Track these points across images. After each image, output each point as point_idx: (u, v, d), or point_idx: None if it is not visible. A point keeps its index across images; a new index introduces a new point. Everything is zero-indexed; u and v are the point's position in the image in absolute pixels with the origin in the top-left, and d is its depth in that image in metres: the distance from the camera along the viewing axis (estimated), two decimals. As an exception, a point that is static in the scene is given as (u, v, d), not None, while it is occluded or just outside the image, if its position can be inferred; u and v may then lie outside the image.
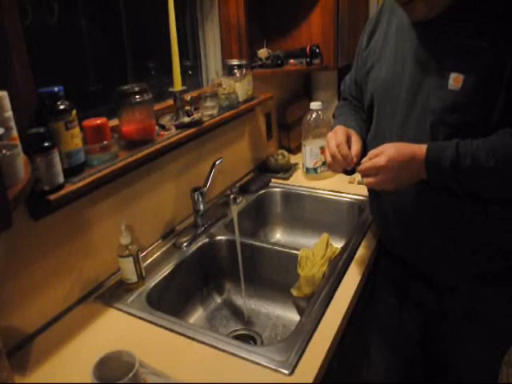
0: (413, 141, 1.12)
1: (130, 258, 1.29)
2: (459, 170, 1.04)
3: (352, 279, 1.34)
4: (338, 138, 1.24)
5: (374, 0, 2.49)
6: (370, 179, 1.13)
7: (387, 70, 1.26)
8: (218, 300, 1.62)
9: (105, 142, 1.24)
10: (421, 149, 1.08)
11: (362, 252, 1.47)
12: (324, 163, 1.97)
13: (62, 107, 1.12)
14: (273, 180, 2.06)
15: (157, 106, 1.58)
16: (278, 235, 2.01)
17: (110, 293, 1.32)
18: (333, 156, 1.23)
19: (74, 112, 1.15)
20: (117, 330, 1.18)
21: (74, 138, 1.16)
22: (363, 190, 1.75)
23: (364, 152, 1.24)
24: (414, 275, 1.36)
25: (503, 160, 1.01)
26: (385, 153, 1.09)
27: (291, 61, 2.09)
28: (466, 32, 1.06)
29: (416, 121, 1.16)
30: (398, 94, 1.21)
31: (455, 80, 1.06)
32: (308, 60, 2.06)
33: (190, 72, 1.93)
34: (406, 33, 1.20)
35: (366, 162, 1.13)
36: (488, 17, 1.04)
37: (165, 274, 1.41)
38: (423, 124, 1.14)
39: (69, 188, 1.12)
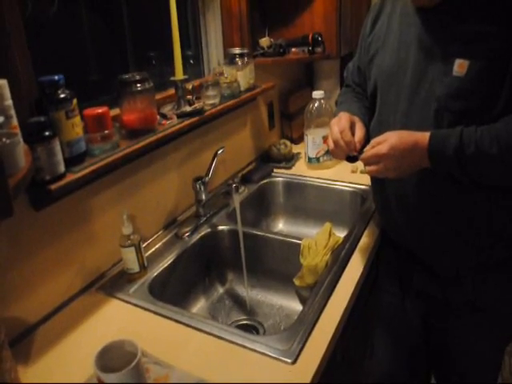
0: (417, 128, 1.12)
1: (132, 248, 1.28)
2: (463, 157, 1.03)
3: (355, 269, 1.34)
4: (342, 124, 1.23)
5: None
6: (373, 167, 1.12)
7: (391, 57, 1.24)
8: (221, 290, 1.61)
9: (106, 132, 1.23)
10: (424, 137, 1.07)
11: (364, 241, 1.46)
12: (327, 152, 1.96)
13: (62, 96, 1.11)
14: (275, 170, 2.05)
15: (158, 96, 1.57)
16: (281, 225, 2.00)
17: (112, 283, 1.32)
18: (336, 142, 1.22)
19: (75, 101, 1.14)
20: (119, 320, 1.18)
21: (75, 127, 1.15)
22: (366, 180, 1.74)
23: (367, 139, 1.23)
24: (417, 264, 1.36)
25: (507, 147, 1.00)
26: (387, 141, 1.09)
27: (293, 49, 2.08)
28: (471, 17, 1.05)
29: (420, 107, 1.15)
30: (401, 80, 1.20)
31: (460, 66, 1.05)
32: (310, 48, 2.04)
33: (191, 61, 1.92)
34: (410, 18, 1.18)
35: (369, 150, 1.13)
36: (491, 2, 1.02)
37: (167, 264, 1.41)
38: (427, 110, 1.13)
39: (70, 177, 1.12)
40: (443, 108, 1.10)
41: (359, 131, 1.23)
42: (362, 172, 1.90)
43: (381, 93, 1.29)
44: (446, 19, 1.09)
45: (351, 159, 1.24)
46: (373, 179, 1.40)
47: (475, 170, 1.06)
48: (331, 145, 1.24)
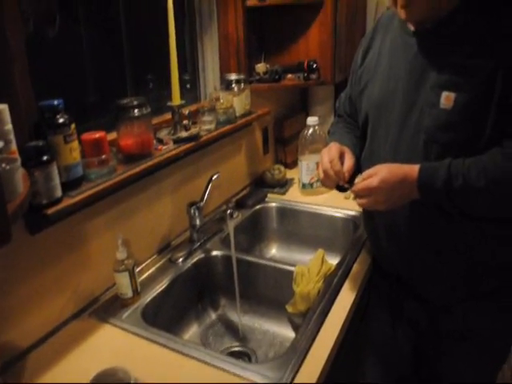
0: (406, 158, 1.14)
1: (126, 273, 1.28)
2: (451, 189, 1.05)
3: (347, 296, 1.34)
4: (332, 154, 1.26)
5: (371, 16, 2.51)
6: (364, 200, 1.15)
7: (381, 89, 1.27)
8: (213, 316, 1.61)
9: (103, 156, 1.25)
10: (413, 169, 1.09)
11: (356, 269, 1.47)
12: (320, 179, 1.98)
13: (61, 121, 1.12)
14: (269, 195, 2.06)
15: (155, 120, 1.59)
16: (274, 250, 2.00)
17: (105, 308, 1.31)
18: (325, 172, 1.24)
19: (73, 126, 1.15)
20: (111, 346, 1.18)
21: (73, 152, 1.16)
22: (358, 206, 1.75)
23: (357, 169, 1.26)
24: (407, 293, 1.37)
25: (494, 180, 1.03)
26: (378, 174, 1.11)
27: (289, 75, 2.11)
28: (456, 51, 1.08)
29: (409, 139, 1.17)
30: (391, 112, 1.23)
31: (446, 98, 1.08)
32: (305, 75, 2.07)
33: (188, 86, 1.94)
34: (399, 52, 1.22)
35: (360, 183, 1.15)
36: (478, 36, 1.05)
37: (160, 290, 1.40)
38: (416, 142, 1.15)
39: (67, 202, 1.12)
40: (431, 139, 1.12)
41: (348, 161, 1.26)
42: (354, 198, 1.91)
43: (371, 124, 1.31)
44: (433, 53, 1.12)
45: (341, 189, 1.26)
46: (364, 209, 1.42)
47: (463, 202, 1.08)
48: (321, 174, 1.27)
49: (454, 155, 1.08)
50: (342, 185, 1.24)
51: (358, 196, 1.17)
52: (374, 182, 1.11)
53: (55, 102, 1.12)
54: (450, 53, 1.09)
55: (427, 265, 1.26)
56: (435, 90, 1.10)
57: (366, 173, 1.15)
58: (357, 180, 1.18)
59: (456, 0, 1.09)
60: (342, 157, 1.27)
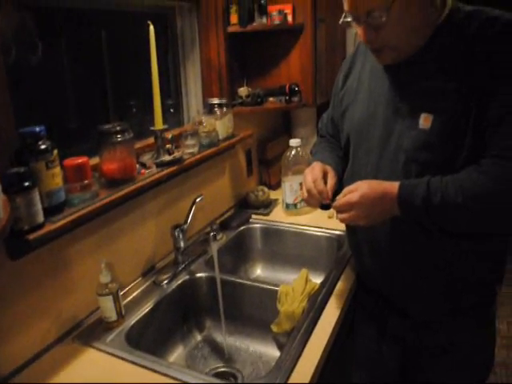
0: (387, 178, 1.17)
1: (110, 297, 1.29)
2: (430, 206, 1.07)
3: (331, 314, 1.35)
4: (315, 173, 1.29)
5: (351, 39, 2.57)
6: (344, 215, 1.17)
7: (362, 111, 1.30)
8: (199, 337, 1.61)
9: (85, 181, 1.25)
10: (393, 186, 1.12)
11: (340, 287, 1.48)
12: (303, 199, 2.01)
13: (43, 147, 1.13)
14: (253, 216, 2.07)
15: (138, 144, 1.60)
16: (259, 271, 2.01)
17: (89, 332, 1.31)
18: (309, 191, 1.27)
19: (56, 152, 1.17)
20: (95, 370, 1.17)
21: (55, 178, 1.17)
22: (342, 225, 1.75)
23: (339, 188, 1.28)
24: (391, 309, 1.38)
25: (471, 196, 1.05)
26: (358, 190, 1.14)
27: (271, 99, 2.15)
28: (432, 74, 1.12)
29: (390, 159, 1.21)
30: (372, 133, 1.26)
31: (425, 120, 1.11)
32: (287, 98, 2.11)
33: (171, 110, 1.97)
34: (378, 75, 1.25)
35: (341, 199, 1.18)
36: (454, 60, 1.10)
37: (144, 312, 1.40)
38: (396, 162, 1.18)
39: (48, 227, 1.13)
40: (411, 160, 1.15)
41: (331, 180, 1.29)
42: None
43: (353, 145, 1.35)
44: (411, 76, 1.16)
45: (324, 207, 1.29)
46: (347, 226, 1.44)
47: (443, 218, 1.11)
48: (305, 194, 1.29)
49: (433, 174, 1.11)
50: (326, 203, 1.26)
51: (338, 211, 1.19)
52: (354, 197, 1.14)
53: (37, 129, 1.13)
54: (425, 77, 1.13)
55: (408, 281, 1.28)
56: (414, 111, 1.14)
57: (346, 189, 1.19)
58: (338, 196, 1.20)
59: (426, 37, 1.13)
60: (324, 176, 1.30)
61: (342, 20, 1.17)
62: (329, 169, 1.33)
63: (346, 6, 1.13)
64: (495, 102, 1.04)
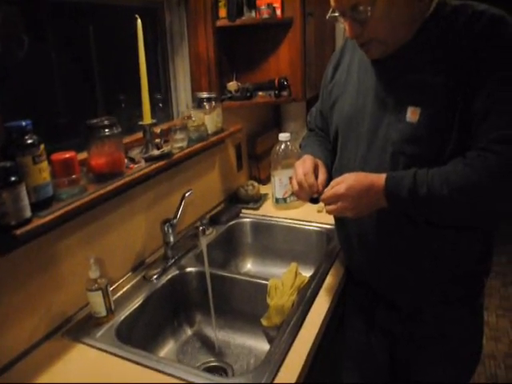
0: (375, 170, 1.17)
1: (99, 292, 1.28)
2: (416, 197, 1.08)
3: (320, 307, 1.36)
4: (306, 167, 1.29)
5: (340, 33, 2.58)
6: (332, 206, 1.18)
7: (350, 104, 1.31)
8: (189, 332, 1.61)
9: (73, 176, 1.25)
10: (379, 178, 1.13)
11: (330, 280, 1.49)
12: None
13: (29, 141, 1.12)
14: (243, 210, 2.07)
15: (126, 139, 1.60)
16: (249, 265, 2.01)
17: (79, 327, 1.30)
18: (299, 184, 1.28)
19: (43, 146, 1.15)
20: (85, 366, 1.17)
21: (42, 172, 1.16)
22: (331, 219, 1.77)
23: (329, 181, 1.29)
24: (379, 301, 1.39)
25: (456, 188, 1.06)
26: (345, 181, 1.15)
27: (260, 93, 2.14)
28: (420, 68, 1.13)
29: (377, 152, 1.21)
30: (360, 126, 1.26)
31: (412, 113, 1.12)
32: (276, 92, 2.11)
33: (160, 105, 1.96)
34: (367, 68, 1.26)
35: (328, 191, 1.18)
36: (441, 54, 1.10)
37: (134, 307, 1.40)
38: (384, 155, 1.19)
39: (36, 222, 1.12)
40: (398, 152, 1.16)
41: (322, 175, 1.29)
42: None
43: (341, 137, 1.35)
44: (398, 70, 1.17)
45: (314, 201, 1.29)
46: (336, 218, 1.45)
47: (428, 210, 1.12)
48: (295, 186, 1.29)
49: (420, 167, 1.11)
50: (316, 197, 1.27)
51: (326, 203, 1.20)
52: (341, 188, 1.15)
53: (23, 123, 1.12)
54: (412, 71, 1.14)
55: (395, 273, 1.29)
56: (402, 105, 1.15)
57: (334, 181, 1.20)
58: (326, 189, 1.21)
59: (413, 31, 1.14)
60: (315, 170, 1.30)
61: (328, 15, 1.18)
62: (320, 163, 1.34)
63: (332, 1, 1.14)
64: (481, 95, 1.05)
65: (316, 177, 1.28)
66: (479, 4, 1.10)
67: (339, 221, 1.42)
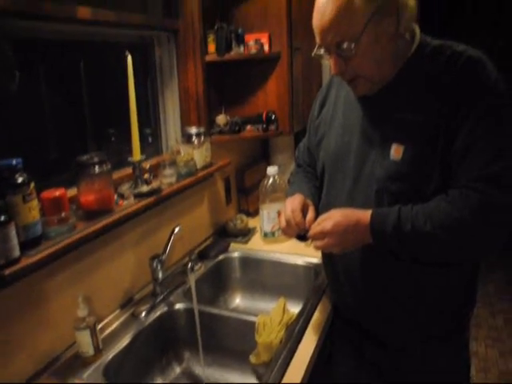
0: (361, 206, 1.20)
1: (87, 331, 1.27)
2: (401, 234, 1.11)
3: (308, 344, 1.36)
4: (295, 205, 1.31)
5: (327, 68, 2.62)
6: (319, 242, 1.20)
7: (336, 141, 1.34)
8: (178, 369, 1.59)
9: (63, 214, 1.25)
10: (365, 215, 1.15)
11: (317, 316, 1.50)
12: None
13: (20, 180, 1.13)
14: (232, 244, 2.08)
15: (116, 174, 1.61)
16: (238, 300, 2.01)
17: (66, 367, 1.29)
18: (287, 221, 1.30)
19: (32, 185, 1.16)
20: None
21: (32, 211, 1.16)
22: (319, 254, 1.78)
23: (317, 218, 1.30)
24: (367, 337, 1.39)
25: (439, 225, 1.08)
26: (332, 218, 1.17)
27: (248, 127, 2.17)
28: (403, 106, 1.17)
29: (363, 189, 1.24)
30: (346, 163, 1.29)
31: (396, 151, 1.16)
32: (264, 126, 2.13)
33: (150, 139, 1.97)
34: (352, 106, 1.29)
35: (315, 227, 1.20)
36: (423, 93, 1.14)
37: (122, 346, 1.39)
38: (369, 192, 1.22)
39: (25, 262, 1.12)
40: (383, 189, 1.19)
41: (311, 213, 1.31)
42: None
43: (328, 174, 1.37)
44: (384, 107, 1.20)
45: (301, 238, 1.31)
46: (323, 254, 1.46)
47: (413, 246, 1.14)
48: (283, 223, 1.31)
49: (405, 203, 1.14)
50: (303, 234, 1.28)
51: (313, 239, 1.22)
52: (327, 225, 1.17)
53: (13, 162, 1.12)
54: (396, 109, 1.18)
55: (382, 308, 1.30)
56: (386, 142, 1.18)
57: (320, 217, 1.22)
58: (313, 225, 1.23)
59: (397, 68, 1.18)
60: (304, 208, 1.32)
61: (314, 53, 1.21)
62: (309, 202, 1.36)
63: (317, 39, 1.17)
64: (461, 134, 1.08)
65: (304, 215, 1.30)
66: (458, 44, 1.15)
67: (326, 257, 1.43)
